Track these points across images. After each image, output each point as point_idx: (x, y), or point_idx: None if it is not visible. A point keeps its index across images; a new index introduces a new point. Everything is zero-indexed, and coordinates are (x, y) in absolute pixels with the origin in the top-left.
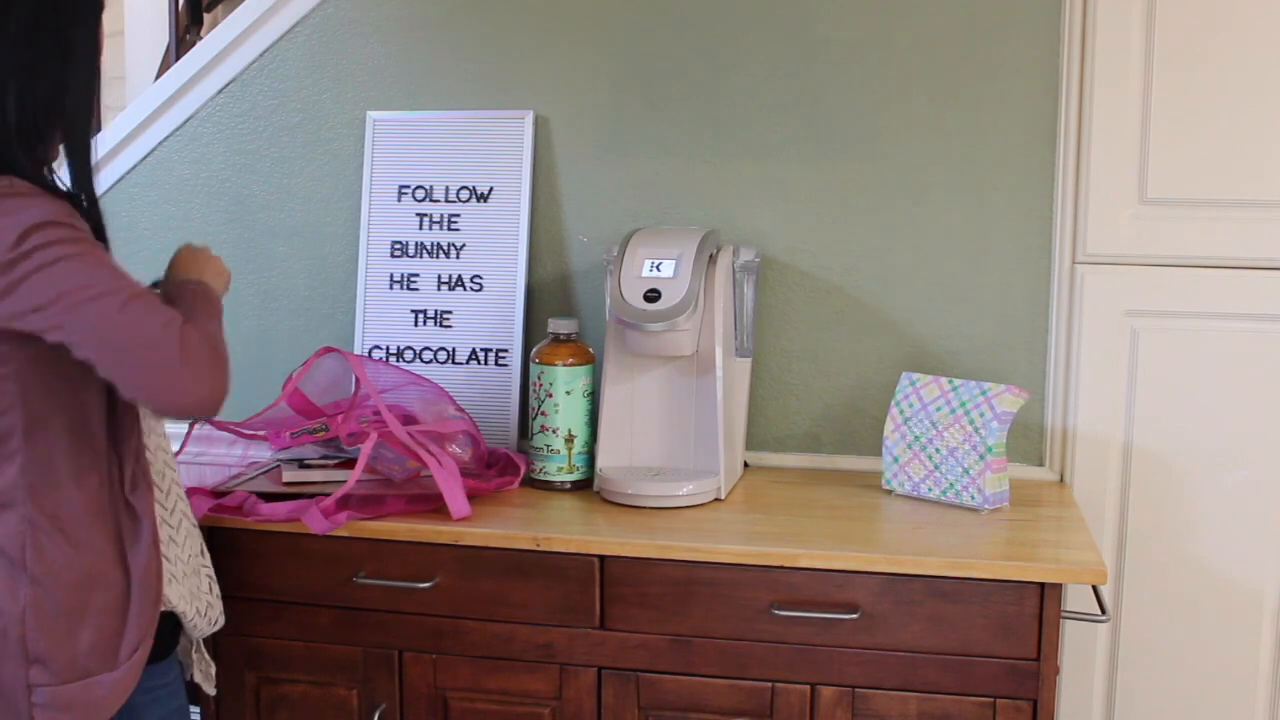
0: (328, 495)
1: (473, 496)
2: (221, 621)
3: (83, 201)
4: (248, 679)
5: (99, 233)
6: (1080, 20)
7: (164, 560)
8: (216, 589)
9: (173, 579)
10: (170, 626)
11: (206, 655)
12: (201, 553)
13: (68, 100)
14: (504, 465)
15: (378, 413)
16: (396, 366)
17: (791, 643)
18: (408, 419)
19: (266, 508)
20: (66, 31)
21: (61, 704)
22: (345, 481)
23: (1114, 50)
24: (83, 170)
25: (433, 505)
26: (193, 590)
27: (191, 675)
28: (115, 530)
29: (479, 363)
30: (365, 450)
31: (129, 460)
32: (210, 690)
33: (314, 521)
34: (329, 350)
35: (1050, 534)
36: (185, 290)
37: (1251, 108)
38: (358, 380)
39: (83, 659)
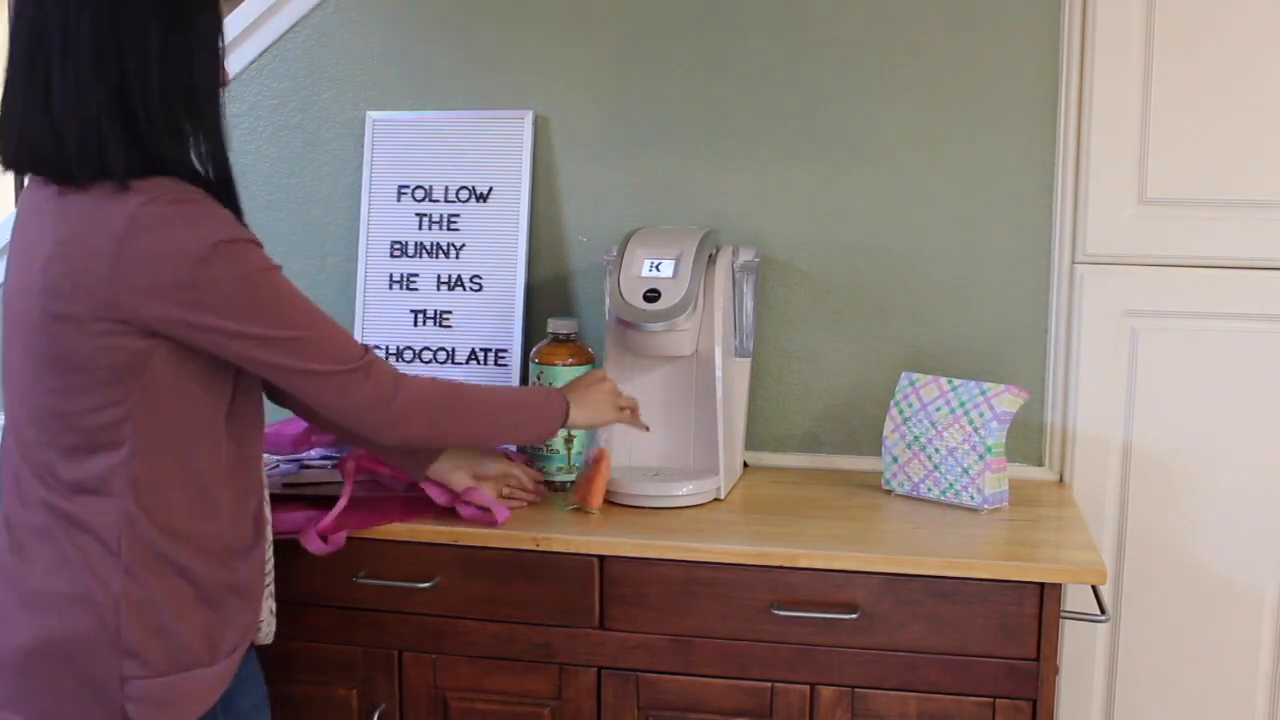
0: (325, 499)
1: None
2: (271, 638)
3: (231, 187)
4: None
5: (238, 214)
6: (1080, 20)
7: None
8: (273, 604)
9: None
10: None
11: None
12: (270, 562)
13: (199, 85)
14: None
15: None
16: None
17: (791, 643)
18: None
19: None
20: (191, 16)
21: (155, 697)
22: (344, 483)
23: (1114, 50)
24: (220, 155)
25: (431, 511)
26: (267, 597)
27: None
28: (227, 530)
29: (479, 363)
30: (348, 484)
31: (249, 464)
32: None
33: (311, 544)
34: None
35: (1050, 534)
36: (531, 393)
37: (1251, 108)
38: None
39: (180, 653)
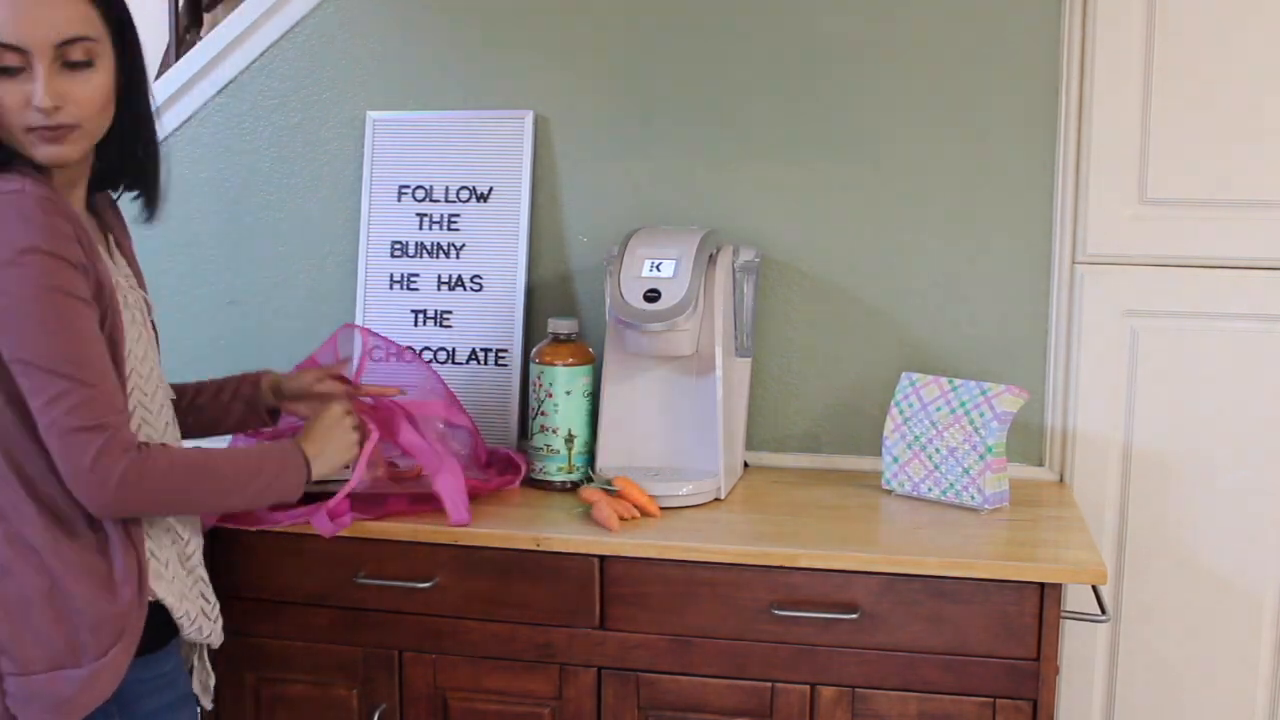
0: (331, 494)
1: (473, 496)
2: (216, 639)
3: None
4: (248, 679)
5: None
6: (1080, 20)
7: (151, 557)
8: (214, 602)
9: (159, 575)
10: (161, 620)
11: (208, 666)
12: (196, 559)
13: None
14: (504, 465)
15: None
16: (413, 357)
17: (791, 643)
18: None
19: (276, 513)
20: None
21: (30, 695)
22: (348, 480)
23: (1114, 50)
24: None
25: (438, 504)
26: (183, 590)
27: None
28: (85, 527)
29: (479, 363)
30: (366, 450)
31: None
32: (207, 704)
33: (321, 525)
34: (349, 326)
35: (1050, 534)
36: (268, 458)
37: (1252, 107)
38: (361, 357)
39: (49, 652)
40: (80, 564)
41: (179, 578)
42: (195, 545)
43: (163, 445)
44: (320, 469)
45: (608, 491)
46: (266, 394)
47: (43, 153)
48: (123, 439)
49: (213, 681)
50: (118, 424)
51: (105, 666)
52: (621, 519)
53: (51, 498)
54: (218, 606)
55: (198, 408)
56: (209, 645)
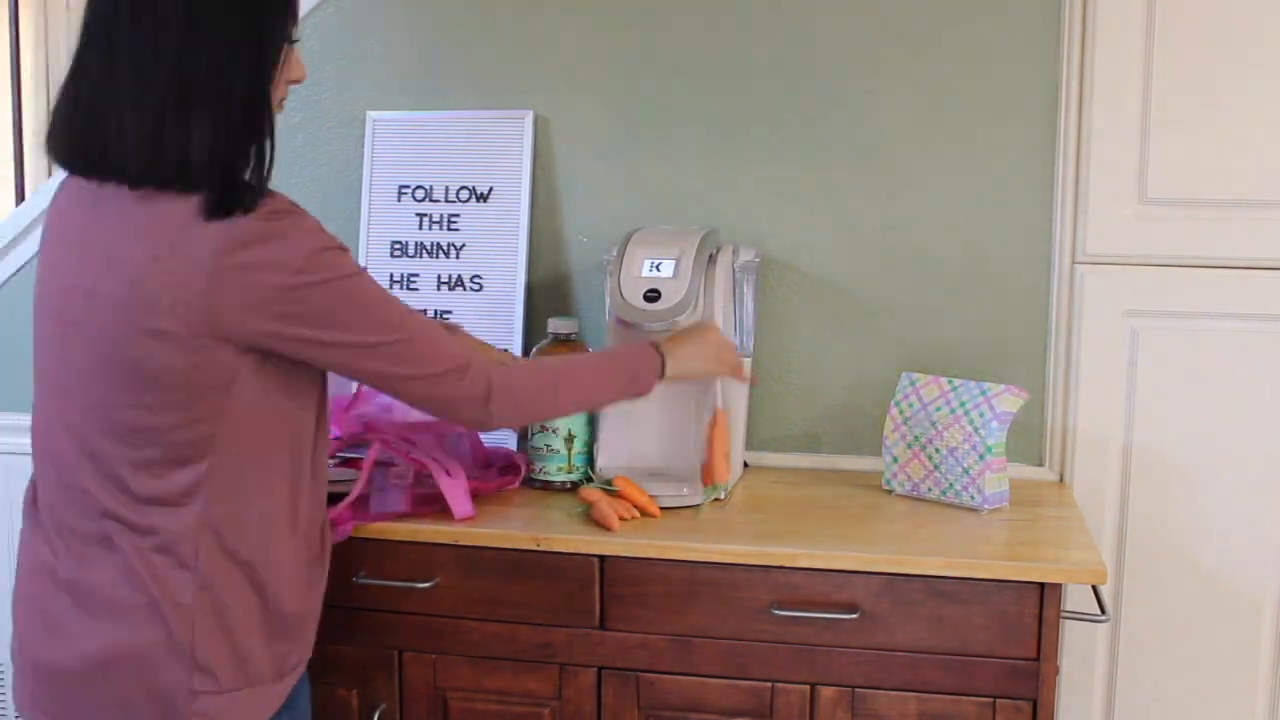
0: (339, 494)
1: (474, 497)
2: None
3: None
4: None
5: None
6: (1080, 20)
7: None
8: None
9: None
10: None
11: None
12: None
13: (267, 92)
14: (504, 465)
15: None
16: None
17: (791, 643)
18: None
19: None
20: (270, 23)
21: (221, 712)
22: (350, 481)
23: (1114, 49)
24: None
25: (439, 505)
26: None
27: None
28: (298, 546)
29: None
30: (368, 463)
31: (319, 479)
32: None
33: None
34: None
35: (1050, 534)
36: (623, 356)
37: (1251, 108)
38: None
39: (249, 669)
40: (288, 577)
41: None
42: None
43: (517, 364)
44: (676, 368)
45: (608, 491)
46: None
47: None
48: (482, 365)
49: None
50: (469, 356)
51: (295, 676)
52: (621, 519)
53: (268, 509)
54: None
55: None
56: None
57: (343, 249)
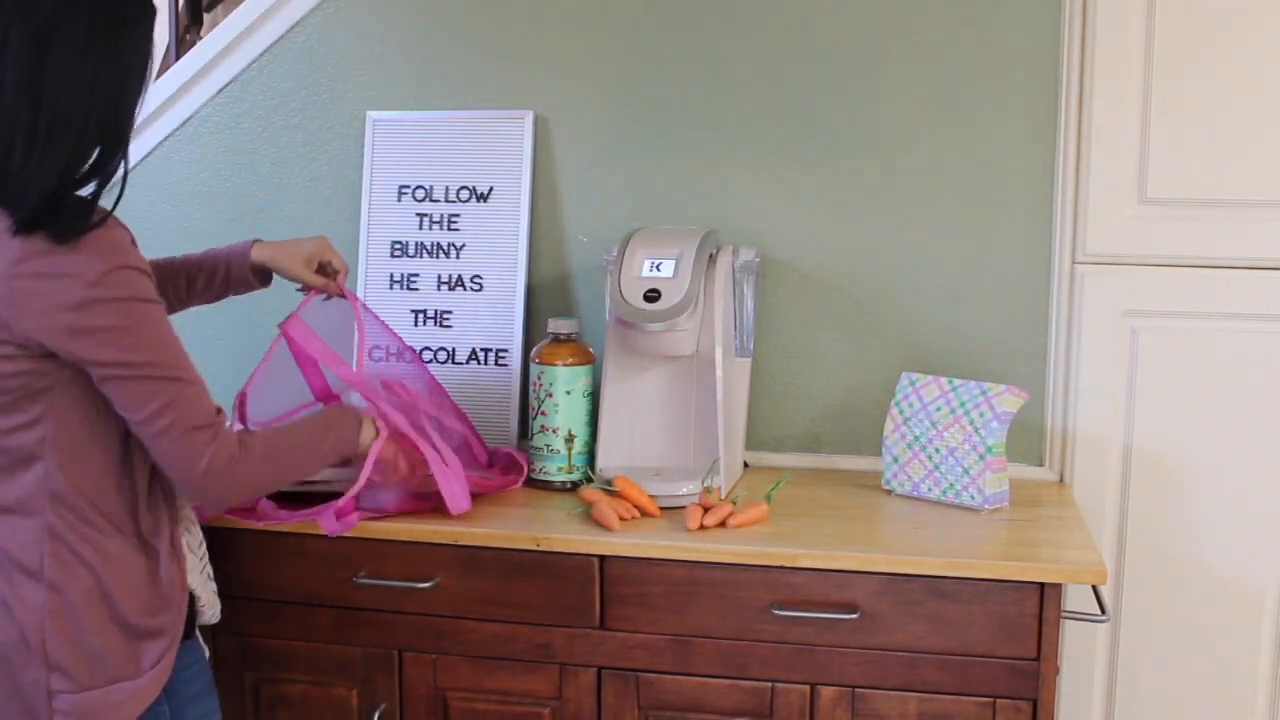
0: (336, 493)
1: (476, 496)
2: (218, 616)
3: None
4: (247, 679)
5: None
6: (1080, 20)
7: (188, 553)
8: (214, 584)
9: (191, 569)
10: (191, 608)
11: (201, 640)
12: (201, 539)
13: (124, 109)
14: (506, 464)
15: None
16: (393, 331)
17: (791, 643)
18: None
19: (283, 511)
20: (125, 36)
21: (83, 710)
22: (346, 481)
23: (1114, 50)
24: (124, 172)
25: (432, 502)
26: (202, 577)
27: None
28: (137, 537)
29: (479, 363)
30: (372, 454)
31: (148, 463)
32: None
33: (328, 524)
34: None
35: (1050, 534)
36: (334, 411)
37: (1251, 108)
38: (359, 336)
39: (105, 666)
40: (132, 574)
41: (196, 566)
42: (198, 530)
43: (251, 433)
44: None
45: (607, 492)
46: (256, 267)
47: None
48: (228, 434)
49: (207, 654)
50: (219, 420)
51: (159, 671)
52: (621, 519)
53: (106, 508)
54: (213, 579)
55: (196, 293)
56: (213, 623)
57: (141, 270)
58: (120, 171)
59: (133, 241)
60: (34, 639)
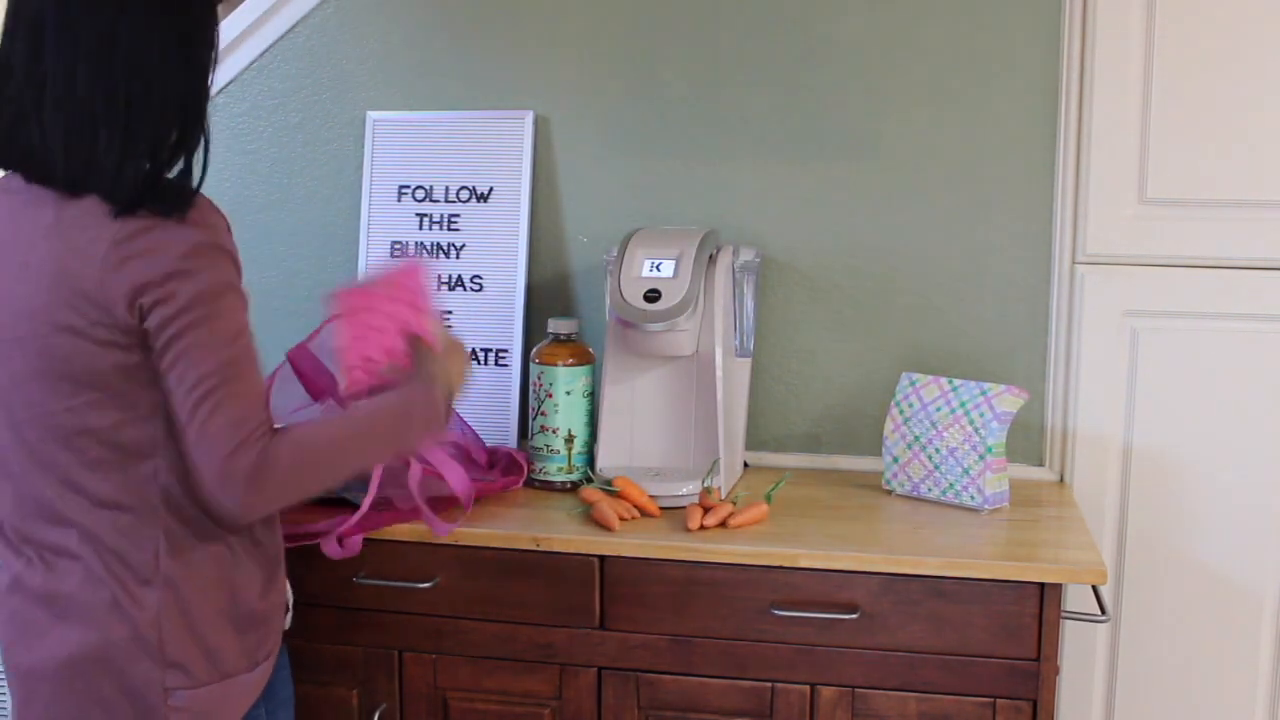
0: (339, 502)
1: (479, 497)
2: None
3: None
4: None
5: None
6: (1080, 20)
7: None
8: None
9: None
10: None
11: None
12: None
13: (198, 95)
14: (507, 465)
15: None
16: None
17: (791, 643)
18: None
19: (288, 528)
20: (195, 22)
21: (199, 707)
22: (359, 493)
23: (1114, 50)
24: (206, 162)
25: (443, 506)
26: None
27: None
28: (249, 533)
29: (479, 363)
30: (375, 477)
31: None
32: None
33: (331, 550)
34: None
35: (1050, 534)
36: (401, 396)
37: (1251, 108)
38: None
39: (221, 662)
40: (244, 571)
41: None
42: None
43: (285, 431)
44: (455, 385)
45: (607, 492)
46: None
47: None
48: (268, 441)
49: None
50: (265, 425)
51: (268, 664)
52: (621, 519)
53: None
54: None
55: None
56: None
57: (234, 258)
58: (203, 151)
59: (228, 228)
60: (149, 635)
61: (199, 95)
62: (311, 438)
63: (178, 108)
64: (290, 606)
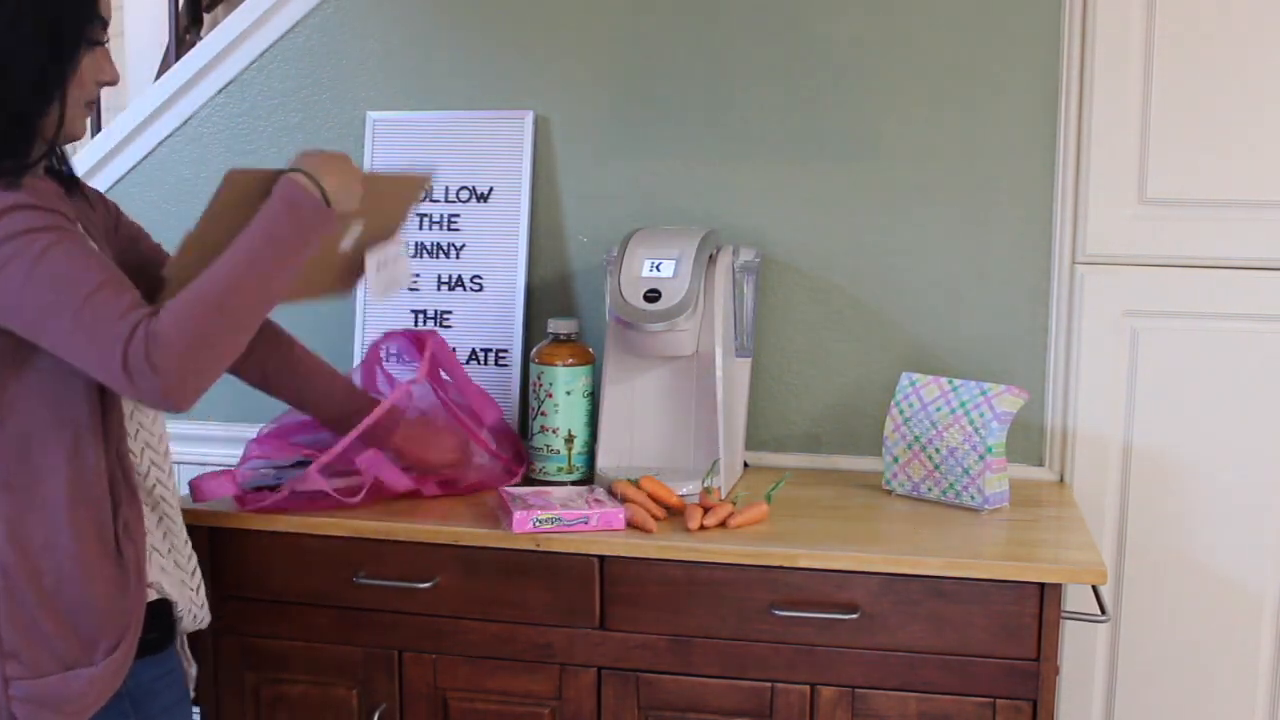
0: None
1: (481, 488)
2: (206, 621)
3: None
4: (247, 679)
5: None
6: (1080, 20)
7: (153, 549)
8: (199, 582)
9: (162, 568)
10: (166, 617)
11: (189, 655)
12: (187, 548)
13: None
14: (514, 454)
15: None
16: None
17: (791, 643)
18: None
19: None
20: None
21: (40, 698)
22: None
23: (1114, 50)
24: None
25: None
26: (179, 579)
27: None
28: (97, 523)
29: (479, 363)
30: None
31: (111, 454)
32: (189, 692)
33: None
34: (391, 335)
35: (1050, 534)
36: (269, 205)
37: (1251, 108)
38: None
39: (60, 653)
40: (90, 561)
41: (171, 566)
42: (181, 523)
43: (164, 305)
44: (333, 186)
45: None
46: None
47: (82, 127)
48: (144, 320)
49: (194, 671)
50: (132, 314)
51: (115, 662)
52: (655, 519)
53: (56, 493)
54: (203, 587)
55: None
56: (200, 629)
57: (46, 210)
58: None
59: (60, 196)
60: None
61: (50, 65)
62: (190, 291)
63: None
64: (181, 609)
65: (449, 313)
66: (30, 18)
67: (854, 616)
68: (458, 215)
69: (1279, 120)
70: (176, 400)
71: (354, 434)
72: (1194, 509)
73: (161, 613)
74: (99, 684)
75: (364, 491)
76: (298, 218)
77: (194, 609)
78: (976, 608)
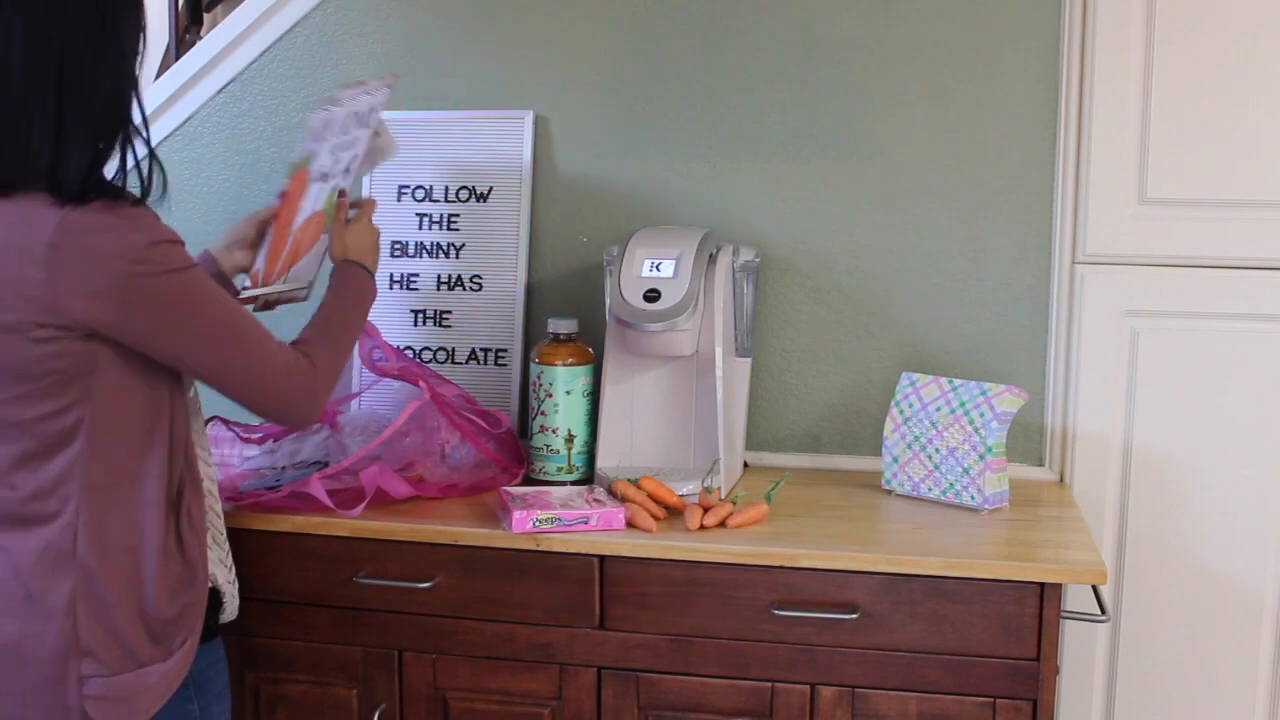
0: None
1: (481, 490)
2: (235, 613)
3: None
4: (247, 679)
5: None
6: (1080, 20)
7: (211, 543)
8: (236, 583)
9: (219, 560)
10: (216, 606)
11: None
12: (226, 540)
13: (128, 91)
14: (514, 454)
15: None
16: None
17: (791, 643)
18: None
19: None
20: (120, 22)
21: (114, 695)
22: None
23: (1114, 50)
24: (148, 158)
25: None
26: (228, 569)
27: None
28: (172, 520)
29: (479, 363)
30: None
31: (182, 453)
32: None
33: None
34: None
35: (1050, 534)
36: (347, 290)
37: (1251, 108)
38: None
39: (135, 651)
40: (165, 559)
41: (222, 556)
42: (222, 516)
43: (304, 342)
44: (375, 263)
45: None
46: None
47: None
48: (297, 363)
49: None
50: (293, 356)
51: (184, 653)
52: (655, 518)
53: (137, 495)
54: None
55: None
56: (230, 620)
57: (177, 242)
58: (133, 153)
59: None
60: (64, 624)
61: (133, 89)
62: (326, 346)
63: (110, 104)
64: (227, 600)
65: (448, 312)
66: (131, 39)
67: (854, 616)
68: (457, 215)
69: (1278, 120)
70: (310, 420)
71: (362, 452)
72: (1194, 509)
73: (214, 602)
74: (170, 675)
75: (363, 505)
76: (365, 305)
77: (234, 599)
78: (976, 608)
